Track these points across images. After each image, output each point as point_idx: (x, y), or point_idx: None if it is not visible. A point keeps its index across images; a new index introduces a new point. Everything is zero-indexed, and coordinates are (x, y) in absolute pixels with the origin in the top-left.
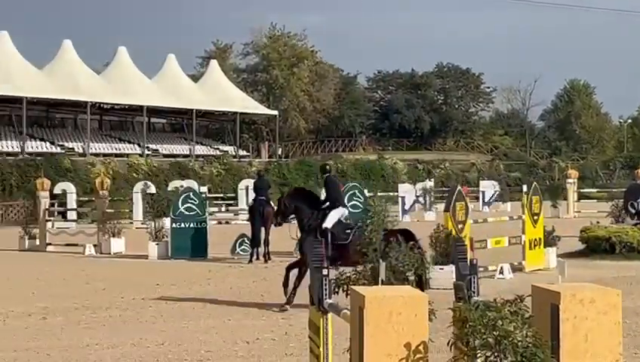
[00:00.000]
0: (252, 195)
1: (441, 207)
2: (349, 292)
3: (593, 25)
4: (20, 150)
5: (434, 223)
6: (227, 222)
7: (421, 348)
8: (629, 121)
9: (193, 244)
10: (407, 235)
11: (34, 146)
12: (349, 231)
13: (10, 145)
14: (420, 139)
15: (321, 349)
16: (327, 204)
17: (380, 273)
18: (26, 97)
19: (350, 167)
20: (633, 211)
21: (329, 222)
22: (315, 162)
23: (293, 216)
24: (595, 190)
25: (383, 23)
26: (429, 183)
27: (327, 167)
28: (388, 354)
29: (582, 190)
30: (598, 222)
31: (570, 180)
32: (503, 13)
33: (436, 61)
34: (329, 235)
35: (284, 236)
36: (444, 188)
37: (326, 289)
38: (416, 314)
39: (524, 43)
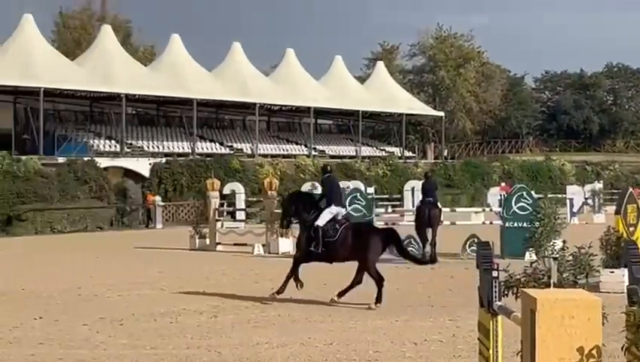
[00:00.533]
0: (419, 197)
1: (611, 209)
2: (518, 294)
3: None
4: (190, 151)
5: (603, 226)
6: (393, 224)
7: (594, 352)
8: None
9: None
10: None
11: (204, 147)
12: (337, 227)
13: (181, 146)
14: (589, 140)
15: (490, 352)
16: (325, 203)
17: (552, 275)
18: (196, 99)
19: (517, 168)
20: None
21: (321, 221)
22: (482, 163)
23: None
24: None
25: (551, 23)
26: (598, 185)
27: (328, 167)
28: (560, 357)
29: None
30: None
31: None
32: None
33: (605, 61)
34: (320, 233)
35: (451, 237)
36: (613, 190)
37: (496, 292)
38: (590, 318)
39: None
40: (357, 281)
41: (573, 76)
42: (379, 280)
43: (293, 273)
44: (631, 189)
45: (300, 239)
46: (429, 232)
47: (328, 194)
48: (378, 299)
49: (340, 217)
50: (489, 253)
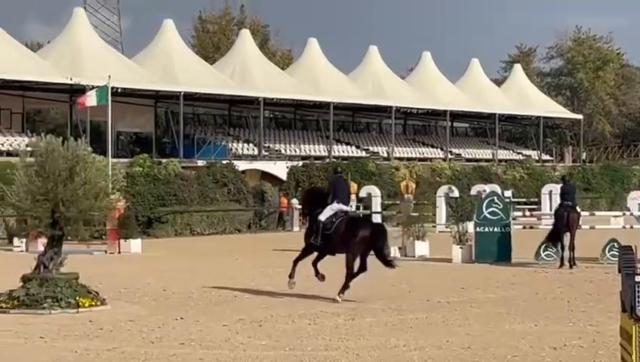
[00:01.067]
0: (557, 200)
1: None
2: None
3: None
4: (326, 154)
5: None
6: (531, 227)
7: None
8: None
9: (497, 249)
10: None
11: (340, 150)
12: (334, 221)
13: (318, 149)
14: None
15: (633, 357)
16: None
17: None
18: (333, 102)
19: None
20: None
21: (323, 216)
22: (621, 167)
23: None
24: None
25: None
26: None
27: (339, 168)
28: None
29: None
30: None
31: None
32: None
33: None
34: (320, 226)
35: (589, 242)
36: None
37: (639, 297)
38: None
39: None
40: (361, 269)
41: None
42: (349, 274)
43: (299, 261)
44: None
45: (307, 232)
46: (567, 236)
47: (333, 192)
48: (342, 290)
49: (341, 213)
50: (632, 258)
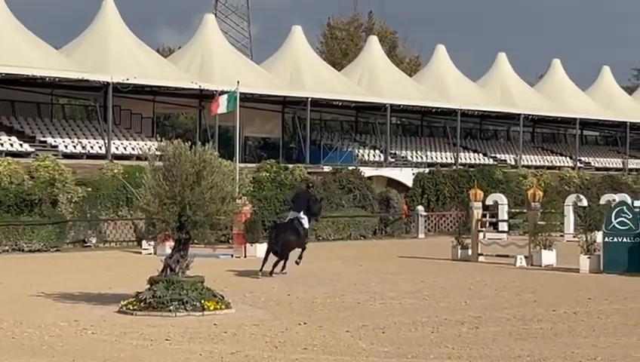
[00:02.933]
0: None
1: None
2: None
3: None
4: (453, 161)
5: None
6: None
7: None
8: None
9: (627, 259)
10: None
11: (467, 157)
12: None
13: (445, 156)
14: None
15: None
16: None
17: None
18: (460, 109)
19: None
20: None
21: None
22: None
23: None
24: None
25: None
26: None
27: (306, 183)
28: None
29: None
30: None
31: None
32: None
33: None
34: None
35: None
36: None
37: None
38: None
39: None
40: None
41: None
42: (283, 267)
43: (265, 261)
44: None
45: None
46: None
47: (294, 202)
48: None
49: (293, 220)
50: None
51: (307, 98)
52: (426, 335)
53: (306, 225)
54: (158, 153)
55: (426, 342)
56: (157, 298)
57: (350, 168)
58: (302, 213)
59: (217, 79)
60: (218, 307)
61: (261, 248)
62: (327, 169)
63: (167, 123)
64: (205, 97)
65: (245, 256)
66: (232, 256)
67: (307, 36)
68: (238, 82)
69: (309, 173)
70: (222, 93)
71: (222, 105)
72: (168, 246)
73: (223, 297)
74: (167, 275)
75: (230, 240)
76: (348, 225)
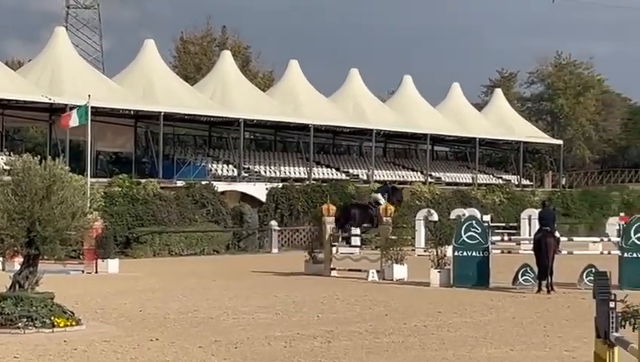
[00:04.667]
0: (536, 225)
1: None
2: (636, 326)
3: None
4: (306, 176)
5: None
6: (509, 252)
7: None
8: None
9: (475, 273)
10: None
11: (320, 172)
12: None
13: (298, 171)
14: None
15: None
16: None
17: None
18: (314, 125)
19: (637, 198)
20: None
21: None
22: (600, 193)
23: None
24: None
25: None
26: None
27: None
28: None
29: None
30: None
31: None
32: None
33: None
34: None
35: (568, 267)
36: None
37: (613, 323)
38: None
39: None
40: None
41: None
42: None
43: None
44: None
45: None
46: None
47: None
48: None
49: None
50: (606, 284)
51: (160, 112)
52: (278, 350)
53: None
54: (6, 167)
55: (278, 356)
56: (5, 315)
57: (203, 183)
58: None
59: (68, 92)
60: (68, 323)
61: (112, 264)
62: (180, 184)
63: (17, 137)
64: (55, 111)
65: (97, 272)
66: (83, 271)
67: (160, 50)
68: (89, 96)
69: (161, 187)
70: (73, 107)
71: (73, 119)
72: (17, 262)
73: (73, 313)
74: (16, 292)
75: (81, 256)
76: (201, 240)
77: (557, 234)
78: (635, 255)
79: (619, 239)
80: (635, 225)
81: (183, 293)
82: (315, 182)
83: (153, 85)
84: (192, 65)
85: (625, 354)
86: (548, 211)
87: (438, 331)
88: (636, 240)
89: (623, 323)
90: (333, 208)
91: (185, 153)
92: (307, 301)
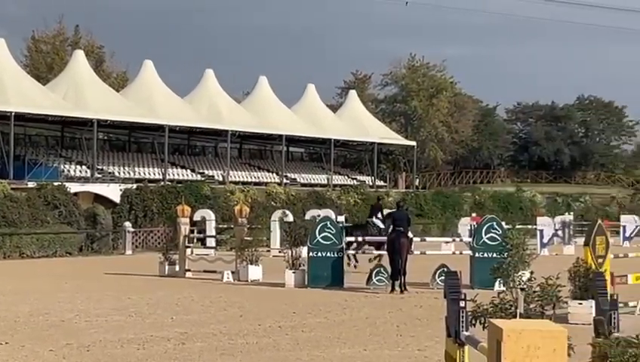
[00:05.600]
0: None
1: (581, 240)
2: (486, 324)
3: None
4: (161, 177)
5: (573, 257)
6: (364, 252)
7: None
8: None
9: (330, 273)
10: None
11: (175, 173)
12: None
13: (153, 172)
14: (560, 171)
15: None
16: None
17: (519, 306)
18: (168, 125)
19: (488, 199)
20: None
21: None
22: (453, 193)
23: None
24: None
25: (524, 55)
26: (569, 216)
27: None
28: None
29: None
30: None
31: None
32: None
33: (577, 93)
34: None
35: (421, 267)
36: (583, 222)
37: (463, 322)
38: (555, 349)
39: None
40: None
41: (545, 108)
42: None
43: None
44: (600, 221)
45: None
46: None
47: None
48: None
49: None
50: (457, 283)
51: (10, 112)
52: (131, 353)
53: None
54: None
55: (131, 359)
56: None
57: (56, 184)
58: None
59: None
60: None
61: None
62: (31, 185)
63: None
64: None
65: None
66: None
67: (11, 49)
68: None
69: (12, 188)
70: None
71: None
72: None
73: None
74: None
75: None
76: (53, 242)
77: (410, 234)
78: (485, 254)
79: (470, 239)
80: (486, 226)
81: (34, 296)
82: (169, 183)
83: (4, 84)
84: (44, 65)
85: (475, 352)
86: (401, 212)
87: (293, 332)
88: (487, 240)
89: (473, 322)
90: (188, 209)
91: (37, 154)
92: (161, 303)
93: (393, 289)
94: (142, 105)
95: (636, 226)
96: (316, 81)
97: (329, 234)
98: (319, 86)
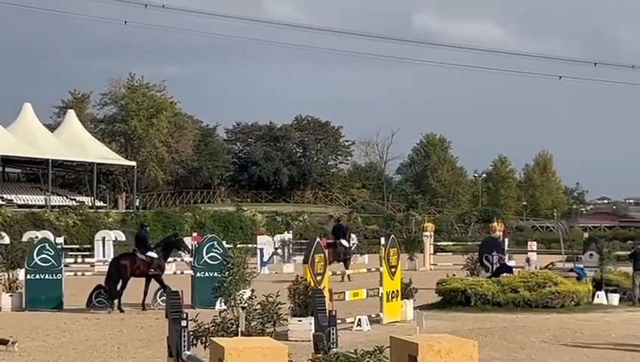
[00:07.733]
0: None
1: (300, 259)
2: (208, 343)
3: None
4: None
5: (292, 275)
6: (83, 274)
7: None
8: (484, 175)
9: (48, 296)
10: None
11: None
12: None
13: None
14: (279, 191)
15: None
16: None
17: (240, 324)
18: None
19: (209, 218)
20: (488, 264)
21: None
22: (174, 213)
23: None
24: (451, 243)
25: (241, 75)
26: (288, 235)
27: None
28: None
29: (438, 243)
30: (454, 275)
31: (426, 233)
32: (356, 67)
33: (295, 114)
34: None
35: (141, 288)
36: (302, 241)
37: (184, 341)
38: None
39: (381, 97)
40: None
41: (264, 128)
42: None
43: None
44: (318, 239)
45: None
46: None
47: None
48: None
49: None
50: (178, 303)
51: None
52: None
53: None
54: None
55: None
56: None
57: None
58: None
59: None
60: None
61: None
62: None
63: None
64: None
65: None
66: None
67: None
68: None
69: None
70: None
71: None
72: None
73: None
74: None
75: None
76: None
77: (153, 254)
78: (206, 274)
79: (191, 259)
80: (207, 245)
81: None
82: None
83: None
84: None
85: None
86: (142, 232)
87: (9, 357)
88: (208, 260)
89: (194, 342)
90: None
91: None
92: None
93: (112, 309)
94: None
95: (353, 244)
96: (33, 100)
97: (47, 256)
98: (36, 106)
